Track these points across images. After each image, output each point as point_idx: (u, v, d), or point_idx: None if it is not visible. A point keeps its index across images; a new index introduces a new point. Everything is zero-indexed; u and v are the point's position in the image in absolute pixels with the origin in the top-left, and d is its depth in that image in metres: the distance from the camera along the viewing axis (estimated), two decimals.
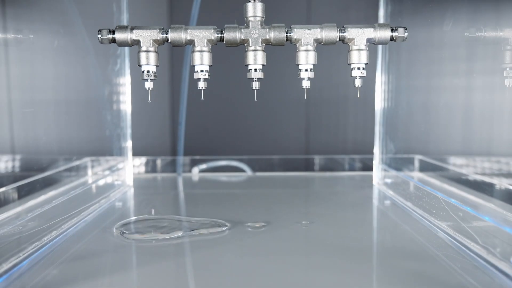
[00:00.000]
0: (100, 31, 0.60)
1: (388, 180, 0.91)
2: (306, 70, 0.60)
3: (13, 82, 0.65)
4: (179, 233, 0.62)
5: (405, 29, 0.60)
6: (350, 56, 0.61)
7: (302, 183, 1.02)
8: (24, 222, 0.59)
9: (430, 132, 0.87)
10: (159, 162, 1.11)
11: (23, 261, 0.52)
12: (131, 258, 0.55)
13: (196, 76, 0.61)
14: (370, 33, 0.60)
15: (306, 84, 0.61)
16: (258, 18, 0.60)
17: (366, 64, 0.61)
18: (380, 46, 0.94)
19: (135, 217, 0.70)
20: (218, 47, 0.62)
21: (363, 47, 0.60)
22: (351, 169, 1.11)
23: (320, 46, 0.61)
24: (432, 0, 0.79)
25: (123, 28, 0.59)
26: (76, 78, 0.83)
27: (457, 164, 0.83)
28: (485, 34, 0.63)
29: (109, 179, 0.87)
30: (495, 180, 0.70)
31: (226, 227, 0.65)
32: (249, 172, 1.11)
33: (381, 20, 0.92)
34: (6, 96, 0.65)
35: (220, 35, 0.60)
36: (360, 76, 0.61)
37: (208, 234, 0.63)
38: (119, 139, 0.92)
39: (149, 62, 0.60)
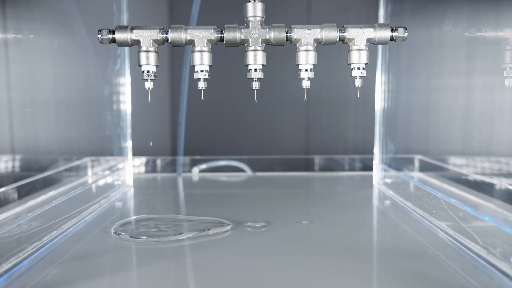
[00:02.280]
0: (100, 31, 0.60)
1: (388, 180, 0.91)
2: (306, 70, 0.60)
3: (13, 82, 0.65)
4: (184, 236, 0.62)
5: (405, 29, 0.60)
6: (350, 56, 0.61)
7: (302, 183, 1.02)
8: (24, 222, 0.59)
9: (430, 132, 0.87)
10: (159, 162, 1.11)
11: (23, 261, 0.52)
12: (131, 258, 0.55)
13: (196, 76, 0.61)
14: (370, 33, 0.60)
15: (306, 84, 0.61)
16: (258, 18, 0.60)
17: (366, 64, 0.61)
18: (380, 46, 0.94)
19: (134, 217, 0.69)
20: (218, 47, 0.62)
21: (363, 47, 0.60)
22: (351, 169, 1.11)
23: (320, 46, 0.61)
24: (432, 0, 0.79)
25: (123, 28, 0.59)
26: (76, 78, 0.83)
27: (457, 164, 0.83)
28: (485, 34, 0.63)
29: (109, 179, 0.87)
30: (495, 180, 0.70)
31: (229, 226, 0.65)
32: (249, 172, 1.11)
33: (381, 20, 0.92)
34: (6, 96, 0.65)
35: (220, 35, 0.60)
36: (360, 76, 0.61)
37: (209, 235, 0.63)
38: (119, 139, 0.92)
39: (149, 62, 0.60)
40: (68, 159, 0.81)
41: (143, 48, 0.59)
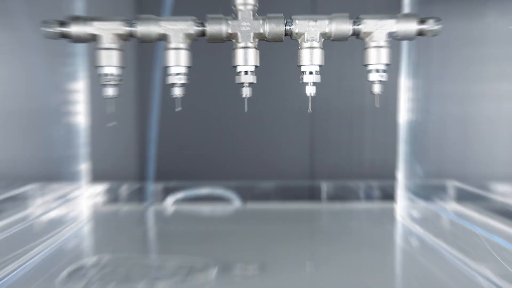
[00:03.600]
0: (46, 22, 0.59)
1: (415, 213, 0.91)
2: (311, 73, 0.60)
3: None
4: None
5: (437, 20, 0.60)
6: (366, 55, 0.61)
7: (306, 217, 1.02)
8: None
9: (468, 152, 0.87)
10: (123, 189, 1.11)
11: None
12: None
13: (170, 80, 0.60)
14: (391, 25, 0.60)
15: (310, 90, 0.61)
16: (250, 7, 0.59)
17: (387, 65, 0.61)
18: (404, 43, 0.94)
19: (91, 260, 0.69)
20: (198, 43, 0.61)
21: (383, 43, 0.60)
22: (368, 198, 1.11)
23: (329, 42, 0.61)
24: None
25: (77, 19, 0.59)
26: (16, 83, 0.83)
27: (502, 192, 0.83)
28: None
29: (60, 211, 0.87)
30: None
31: (215, 269, 0.65)
32: (237, 203, 1.10)
33: (406, 9, 0.93)
34: None
35: (201, 28, 0.60)
36: (379, 81, 0.61)
37: (188, 282, 0.62)
38: (72, 161, 0.92)
39: (110, 63, 0.59)
40: (8, 185, 0.81)
41: (104, 45, 0.59)
